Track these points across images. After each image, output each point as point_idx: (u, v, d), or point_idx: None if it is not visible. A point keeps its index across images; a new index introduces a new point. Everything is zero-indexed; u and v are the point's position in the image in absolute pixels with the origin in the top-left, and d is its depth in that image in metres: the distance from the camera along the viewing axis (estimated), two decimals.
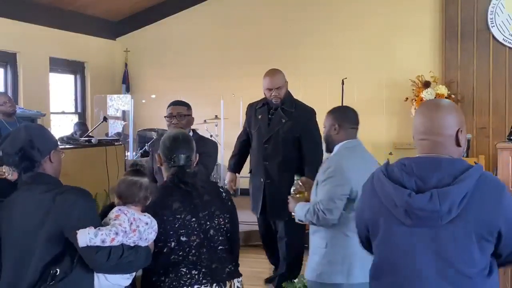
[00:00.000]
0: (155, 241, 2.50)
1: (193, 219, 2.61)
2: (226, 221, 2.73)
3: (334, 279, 3.10)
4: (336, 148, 3.31)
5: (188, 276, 2.56)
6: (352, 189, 3.11)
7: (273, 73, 4.76)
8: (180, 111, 4.04)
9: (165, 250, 2.56)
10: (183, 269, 2.56)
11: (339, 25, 8.99)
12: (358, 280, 3.03)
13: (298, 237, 4.70)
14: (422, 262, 1.93)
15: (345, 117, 3.36)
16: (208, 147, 3.85)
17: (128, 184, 2.44)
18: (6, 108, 5.72)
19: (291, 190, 3.51)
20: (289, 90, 4.82)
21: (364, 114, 8.86)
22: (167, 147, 2.75)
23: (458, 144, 2.04)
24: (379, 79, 8.70)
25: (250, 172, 4.88)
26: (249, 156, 4.99)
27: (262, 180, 4.69)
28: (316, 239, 3.24)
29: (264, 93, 4.76)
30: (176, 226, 2.57)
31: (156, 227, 2.45)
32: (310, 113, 4.85)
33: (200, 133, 4.31)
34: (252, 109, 4.92)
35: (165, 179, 2.78)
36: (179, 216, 2.59)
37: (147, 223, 2.40)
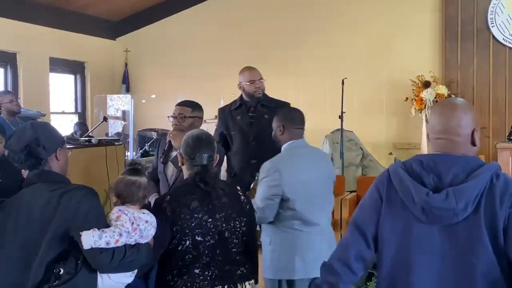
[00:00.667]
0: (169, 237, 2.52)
1: (210, 220, 2.62)
2: (243, 224, 2.73)
3: (278, 275, 3.24)
4: (282, 148, 3.45)
5: (201, 277, 2.57)
6: (283, 190, 3.23)
7: (251, 67, 4.74)
8: (182, 112, 3.87)
9: (179, 248, 2.57)
10: (196, 270, 2.57)
11: (339, 25, 8.99)
12: (299, 276, 3.14)
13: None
14: (437, 257, 1.96)
15: (290, 118, 3.49)
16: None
17: (126, 184, 2.45)
18: (13, 106, 5.78)
19: (251, 186, 3.57)
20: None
21: (364, 114, 8.98)
22: (190, 146, 2.75)
23: (473, 143, 2.07)
24: (379, 79, 8.70)
25: (234, 175, 4.71)
26: (225, 160, 4.79)
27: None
28: (263, 237, 3.39)
29: (243, 88, 4.68)
30: (193, 225, 2.58)
31: (155, 223, 2.45)
32: (288, 106, 4.72)
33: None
34: (226, 112, 4.81)
35: (185, 177, 2.78)
36: (196, 215, 2.60)
37: (147, 221, 2.41)
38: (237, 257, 2.69)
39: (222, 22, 9.58)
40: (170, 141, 3.80)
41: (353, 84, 8.00)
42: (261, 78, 4.65)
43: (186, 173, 2.79)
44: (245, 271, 2.70)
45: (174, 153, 3.71)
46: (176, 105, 3.95)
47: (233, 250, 2.68)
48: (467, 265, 1.93)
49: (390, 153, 8.61)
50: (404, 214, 2.01)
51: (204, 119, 4.19)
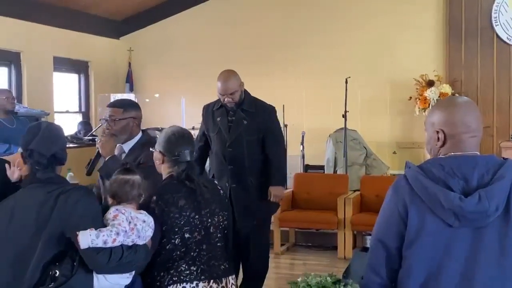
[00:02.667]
0: (157, 237, 2.51)
1: (196, 216, 2.64)
2: (224, 218, 2.77)
3: None
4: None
5: (188, 272, 2.59)
6: None
7: (226, 78, 4.35)
8: (113, 114, 3.37)
9: (168, 247, 2.58)
10: (183, 265, 2.59)
11: (342, 24, 8.97)
12: None
13: (265, 237, 4.62)
14: (467, 260, 1.94)
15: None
16: (151, 157, 3.28)
17: (120, 183, 2.43)
18: (7, 104, 5.72)
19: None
20: (246, 90, 4.47)
21: (368, 114, 8.97)
22: (172, 143, 2.74)
23: None
24: (383, 78, 8.69)
25: (213, 177, 4.52)
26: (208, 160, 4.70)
27: (227, 184, 4.35)
28: None
29: (218, 97, 4.45)
30: (182, 223, 2.59)
31: (152, 223, 2.43)
32: (270, 111, 4.52)
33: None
34: (209, 111, 4.55)
35: (163, 177, 2.76)
36: (184, 213, 2.61)
37: (144, 221, 2.39)
38: (220, 252, 2.72)
39: (225, 21, 9.58)
40: (98, 149, 3.34)
41: (356, 83, 8.00)
42: (233, 92, 4.30)
43: (165, 171, 2.76)
44: (227, 266, 2.74)
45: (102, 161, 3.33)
46: (107, 105, 3.49)
47: (218, 244, 2.71)
48: (497, 266, 1.93)
49: (394, 152, 8.60)
50: (431, 220, 1.97)
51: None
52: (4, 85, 7.94)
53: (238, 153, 4.36)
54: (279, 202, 4.55)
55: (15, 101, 6.07)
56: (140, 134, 3.45)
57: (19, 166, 2.53)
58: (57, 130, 2.52)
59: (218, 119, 4.44)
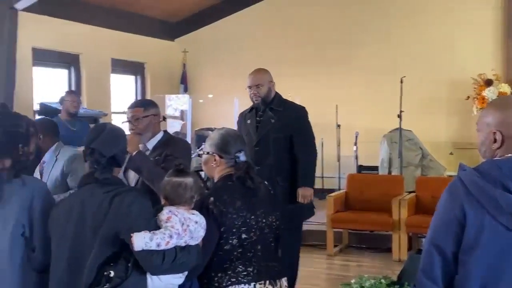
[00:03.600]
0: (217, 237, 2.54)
1: (252, 217, 2.64)
2: (277, 218, 2.76)
3: None
4: None
5: (245, 273, 2.59)
6: None
7: (256, 71, 4.50)
8: (135, 114, 3.46)
9: (225, 247, 2.59)
10: (240, 266, 2.59)
11: (397, 22, 8.85)
12: None
13: (296, 242, 4.45)
14: None
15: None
16: (176, 150, 3.42)
17: (173, 186, 2.43)
18: (71, 107, 5.91)
19: None
20: (277, 92, 4.51)
21: (424, 113, 8.81)
22: (229, 144, 2.74)
23: None
24: (439, 77, 8.52)
25: None
26: None
27: None
28: None
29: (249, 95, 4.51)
30: (239, 223, 2.60)
31: (204, 224, 2.44)
32: (301, 110, 4.49)
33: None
34: (242, 117, 4.64)
35: (216, 179, 2.76)
36: (241, 214, 2.61)
37: (196, 222, 2.40)
38: (273, 253, 2.72)
39: (278, 21, 9.60)
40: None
41: (412, 82, 7.87)
42: (259, 84, 4.37)
43: (219, 173, 2.75)
44: (280, 267, 2.73)
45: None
46: (127, 108, 3.59)
47: (272, 245, 2.71)
48: None
49: (451, 153, 8.43)
50: (490, 224, 1.92)
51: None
52: (64, 87, 8.20)
53: (265, 151, 4.32)
54: (310, 204, 4.37)
55: (80, 104, 6.23)
56: (162, 133, 3.55)
57: None
58: (120, 132, 2.56)
59: (248, 121, 4.49)
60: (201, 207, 2.53)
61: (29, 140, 2.48)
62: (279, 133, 4.33)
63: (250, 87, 4.40)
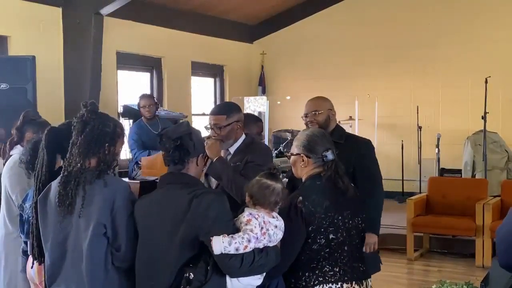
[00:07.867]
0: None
1: (339, 217, 2.65)
2: (362, 220, 2.76)
3: None
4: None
5: (332, 273, 2.60)
6: None
7: (313, 98, 3.96)
8: (217, 122, 3.30)
9: (313, 247, 2.60)
10: (327, 266, 2.61)
11: (482, 20, 8.55)
12: None
13: None
14: None
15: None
16: (257, 156, 3.26)
17: (260, 187, 2.45)
18: (144, 111, 6.04)
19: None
20: (339, 124, 3.93)
21: (510, 115, 8.44)
22: (318, 143, 2.75)
23: None
24: None
25: None
26: None
27: None
28: None
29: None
30: (327, 224, 2.61)
31: (283, 227, 2.45)
32: (365, 144, 3.83)
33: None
34: None
35: (304, 178, 2.77)
36: (329, 214, 2.62)
37: (276, 226, 2.42)
38: (358, 254, 2.71)
39: (356, 22, 9.49)
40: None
41: (497, 83, 7.60)
42: (316, 110, 3.76)
43: (308, 173, 2.75)
44: (365, 268, 2.72)
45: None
46: (210, 113, 3.40)
47: (358, 246, 2.71)
48: None
49: None
50: None
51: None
52: (146, 90, 8.45)
53: None
54: (376, 257, 3.51)
55: (155, 107, 6.21)
56: (243, 136, 3.40)
57: None
58: (183, 122, 2.61)
59: None
60: (289, 206, 2.55)
61: (115, 140, 2.50)
62: None
63: (306, 115, 3.82)
